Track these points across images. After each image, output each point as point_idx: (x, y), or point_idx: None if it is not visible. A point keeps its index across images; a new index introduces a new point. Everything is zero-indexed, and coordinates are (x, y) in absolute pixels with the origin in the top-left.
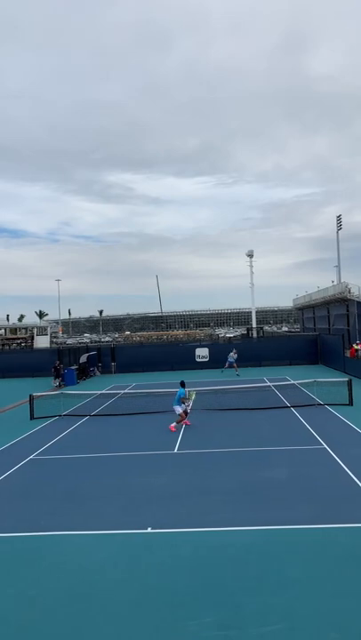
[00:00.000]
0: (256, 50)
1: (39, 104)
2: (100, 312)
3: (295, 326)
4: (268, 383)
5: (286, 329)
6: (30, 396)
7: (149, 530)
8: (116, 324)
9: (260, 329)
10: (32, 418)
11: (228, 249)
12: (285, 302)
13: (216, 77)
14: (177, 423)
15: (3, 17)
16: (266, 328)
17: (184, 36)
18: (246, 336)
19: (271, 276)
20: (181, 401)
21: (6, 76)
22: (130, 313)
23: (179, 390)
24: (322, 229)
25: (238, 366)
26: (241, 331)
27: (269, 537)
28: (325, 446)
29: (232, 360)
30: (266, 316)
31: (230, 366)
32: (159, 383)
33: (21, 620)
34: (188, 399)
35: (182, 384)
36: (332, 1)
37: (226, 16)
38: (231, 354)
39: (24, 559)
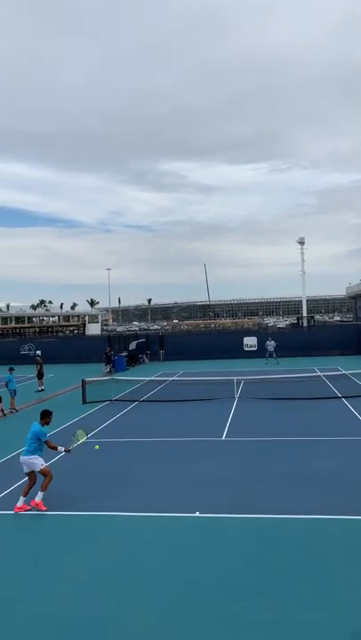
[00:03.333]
0: (313, 33)
1: (94, 94)
2: (149, 300)
3: (348, 316)
4: (319, 373)
5: (338, 318)
6: (83, 381)
7: (197, 514)
8: (164, 312)
9: (310, 318)
10: (84, 402)
11: (280, 236)
12: (338, 291)
13: (272, 62)
14: (42, 491)
15: (60, 10)
16: (317, 317)
17: (241, 20)
18: (296, 325)
19: (324, 263)
20: (49, 447)
21: (62, 68)
22: (178, 301)
23: (33, 426)
24: None
25: (289, 355)
26: (291, 320)
27: (317, 526)
28: None
29: (271, 349)
30: (317, 305)
31: (270, 355)
32: (207, 371)
33: (71, 593)
34: (75, 441)
35: (44, 414)
36: None
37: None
38: (268, 342)
39: (76, 537)
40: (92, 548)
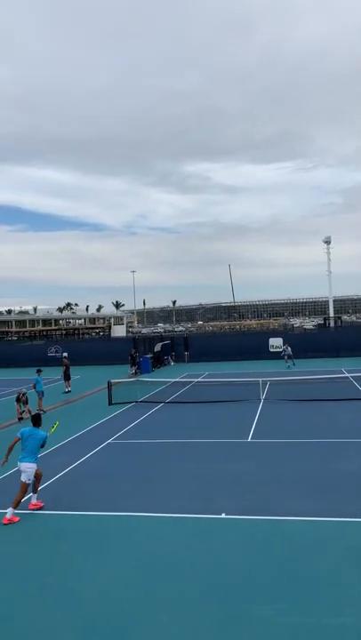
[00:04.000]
0: (338, 30)
1: (119, 97)
2: (174, 302)
3: None
4: (347, 374)
5: None
6: (109, 382)
7: (223, 515)
8: (188, 314)
9: (337, 318)
10: (110, 403)
11: (305, 236)
12: None
13: (297, 60)
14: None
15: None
16: (344, 317)
17: (265, 19)
18: (323, 326)
19: (352, 263)
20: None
21: (87, 72)
22: (202, 303)
23: (38, 432)
24: None
25: (314, 357)
26: (317, 320)
27: (345, 529)
28: None
29: (290, 353)
30: (344, 305)
31: (289, 358)
32: (232, 372)
33: (96, 592)
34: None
35: (35, 419)
36: None
37: None
38: (284, 347)
39: (101, 537)
40: (119, 550)
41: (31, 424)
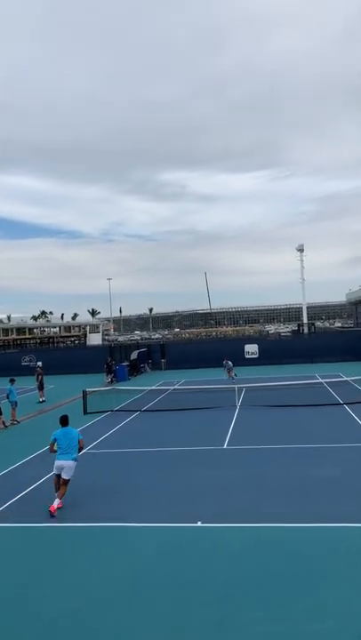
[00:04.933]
0: (313, 42)
1: (96, 106)
2: (150, 310)
3: (349, 322)
4: (320, 380)
5: (339, 325)
6: (84, 391)
7: (199, 524)
8: (165, 321)
9: (311, 325)
10: (85, 413)
11: (280, 244)
12: (339, 297)
13: (272, 72)
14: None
15: (60, 20)
16: (318, 324)
17: (241, 30)
18: (297, 332)
19: (325, 270)
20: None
21: (64, 80)
22: (179, 310)
23: (71, 431)
24: None
25: (289, 362)
26: (292, 327)
27: (320, 534)
28: None
29: (230, 366)
30: (318, 311)
31: (230, 371)
32: (208, 379)
33: (70, 605)
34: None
35: (63, 420)
36: None
37: (281, 8)
38: (225, 362)
39: (77, 548)
40: (93, 560)
41: (60, 425)
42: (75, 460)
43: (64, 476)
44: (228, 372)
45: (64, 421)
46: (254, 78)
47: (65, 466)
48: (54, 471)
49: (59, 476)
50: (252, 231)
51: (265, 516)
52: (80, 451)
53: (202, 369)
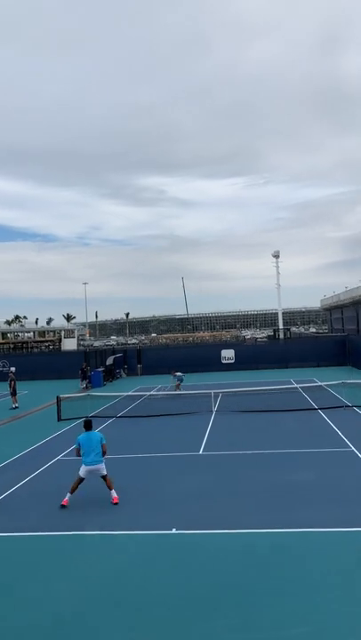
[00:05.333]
0: (289, 51)
1: (74, 109)
2: (127, 314)
3: (323, 327)
4: (295, 385)
5: (314, 330)
6: (58, 397)
7: (174, 531)
8: (142, 326)
9: (286, 330)
10: (59, 419)
11: (256, 250)
12: (314, 303)
13: (250, 79)
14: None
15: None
16: (293, 329)
17: (221, 38)
18: (273, 337)
19: (301, 277)
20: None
21: (42, 83)
22: (156, 315)
23: (94, 434)
24: (354, 229)
25: (265, 368)
26: (268, 332)
27: (294, 540)
28: (353, 449)
29: (180, 378)
30: (293, 317)
31: (180, 382)
32: (185, 385)
33: (49, 614)
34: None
35: (87, 424)
36: None
37: (262, 17)
38: (172, 373)
39: (50, 557)
40: (66, 569)
41: (84, 429)
42: (101, 461)
43: (102, 474)
44: (177, 385)
45: (87, 425)
46: (233, 85)
47: (94, 470)
48: (80, 474)
49: (82, 479)
50: (230, 237)
51: (239, 522)
52: (104, 454)
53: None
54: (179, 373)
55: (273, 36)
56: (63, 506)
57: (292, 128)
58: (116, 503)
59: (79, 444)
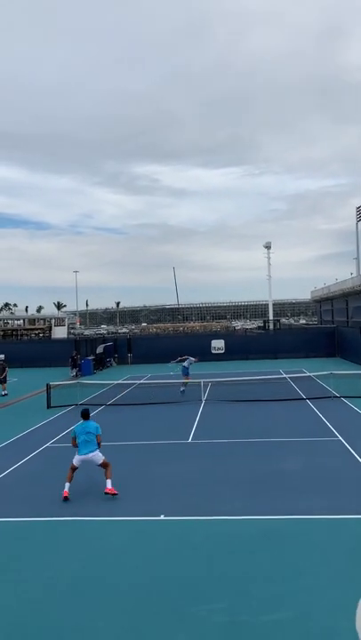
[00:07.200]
0: (288, 42)
1: (69, 96)
2: (118, 304)
3: (313, 319)
4: (284, 375)
5: (304, 322)
6: (47, 385)
7: (162, 517)
8: (132, 315)
9: (276, 321)
10: (49, 407)
11: (250, 241)
12: (305, 295)
13: (248, 69)
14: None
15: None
16: (283, 320)
17: (218, 26)
18: (263, 328)
19: (293, 268)
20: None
21: (36, 69)
22: (147, 305)
23: (89, 424)
24: (346, 221)
25: (255, 358)
26: (258, 323)
27: (282, 526)
28: (340, 438)
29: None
30: (283, 308)
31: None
32: (174, 374)
33: (36, 602)
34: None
35: (84, 413)
36: None
37: (261, 6)
38: (191, 359)
39: (39, 544)
40: (55, 554)
41: (81, 419)
42: (94, 450)
43: (97, 464)
44: (185, 378)
45: (85, 415)
46: (232, 74)
47: (88, 459)
48: (74, 463)
49: (76, 468)
50: (223, 227)
51: (226, 509)
52: (99, 446)
53: (168, 363)
54: (188, 361)
55: (272, 24)
56: (65, 498)
57: (288, 119)
58: (107, 493)
59: (75, 434)
